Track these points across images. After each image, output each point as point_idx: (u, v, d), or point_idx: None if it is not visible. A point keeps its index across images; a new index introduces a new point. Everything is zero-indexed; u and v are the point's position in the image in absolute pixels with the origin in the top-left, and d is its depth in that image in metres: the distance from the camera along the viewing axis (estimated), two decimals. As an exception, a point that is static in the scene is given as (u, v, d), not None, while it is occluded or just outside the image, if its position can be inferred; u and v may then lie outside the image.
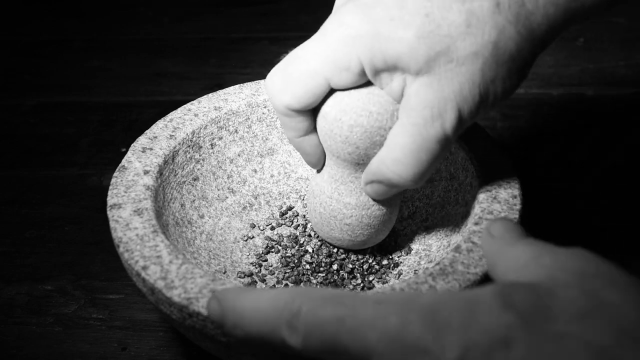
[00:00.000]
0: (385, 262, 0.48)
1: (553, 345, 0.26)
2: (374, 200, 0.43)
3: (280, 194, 0.52)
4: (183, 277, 0.38)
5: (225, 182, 0.51)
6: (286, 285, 0.47)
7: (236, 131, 0.51)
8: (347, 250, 0.48)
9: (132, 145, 0.47)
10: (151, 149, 0.47)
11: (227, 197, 0.51)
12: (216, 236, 0.49)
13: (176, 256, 0.39)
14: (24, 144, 0.67)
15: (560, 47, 0.77)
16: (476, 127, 0.48)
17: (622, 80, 0.72)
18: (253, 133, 0.52)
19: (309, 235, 0.50)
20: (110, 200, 0.43)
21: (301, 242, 0.49)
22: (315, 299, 0.30)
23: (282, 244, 0.49)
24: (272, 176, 0.52)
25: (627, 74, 0.73)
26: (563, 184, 0.60)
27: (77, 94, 0.74)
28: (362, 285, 0.46)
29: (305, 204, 0.51)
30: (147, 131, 0.48)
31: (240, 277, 0.47)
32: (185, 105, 0.50)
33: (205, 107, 0.50)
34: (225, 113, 0.50)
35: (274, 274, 0.48)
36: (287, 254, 0.49)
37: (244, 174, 0.52)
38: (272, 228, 0.51)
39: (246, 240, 0.50)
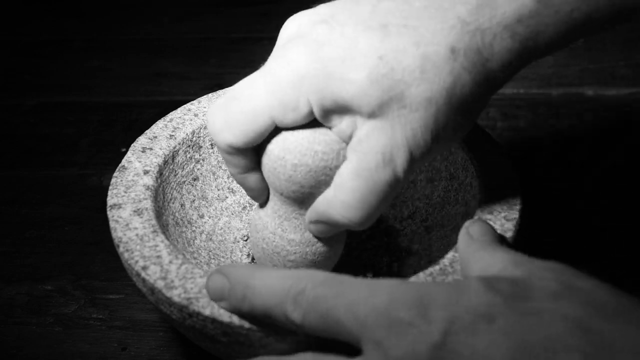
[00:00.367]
0: (385, 260, 0.48)
1: (532, 317, 0.29)
2: (318, 237, 0.41)
3: (280, 194, 0.52)
4: (183, 277, 0.38)
5: (225, 182, 0.51)
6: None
7: (236, 131, 0.51)
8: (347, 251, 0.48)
9: (132, 145, 0.47)
10: (151, 149, 0.47)
11: (227, 197, 0.51)
12: (216, 236, 0.49)
13: (176, 256, 0.39)
14: (24, 144, 0.67)
15: (560, 47, 0.77)
16: (476, 127, 0.48)
17: (622, 80, 0.72)
18: (253, 133, 0.52)
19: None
20: (110, 200, 0.43)
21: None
22: (319, 279, 0.33)
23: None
24: (272, 176, 0.52)
25: (627, 74, 0.73)
26: (563, 184, 0.60)
27: (77, 94, 0.74)
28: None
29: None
30: (147, 131, 0.48)
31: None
32: (185, 105, 0.50)
33: (205, 107, 0.50)
34: (225, 113, 0.50)
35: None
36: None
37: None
38: None
39: (246, 240, 0.50)
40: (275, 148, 0.38)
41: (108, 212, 0.42)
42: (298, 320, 0.32)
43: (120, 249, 0.40)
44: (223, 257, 0.48)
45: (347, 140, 0.37)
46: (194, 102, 0.51)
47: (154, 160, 0.46)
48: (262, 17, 0.86)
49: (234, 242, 0.49)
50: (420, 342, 0.29)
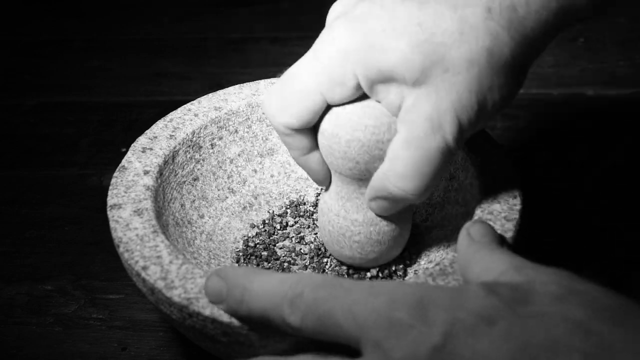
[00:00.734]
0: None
1: (533, 320, 0.29)
2: (381, 216, 0.42)
3: (280, 194, 0.52)
4: (183, 277, 0.38)
5: (226, 182, 0.51)
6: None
7: (236, 131, 0.51)
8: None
9: (132, 145, 0.47)
10: (151, 149, 0.47)
11: (227, 197, 0.51)
12: (216, 236, 0.49)
13: (176, 256, 0.39)
14: (24, 144, 0.67)
15: (560, 47, 0.77)
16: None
17: (622, 80, 0.72)
18: (253, 133, 0.52)
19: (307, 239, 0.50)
20: (110, 201, 0.43)
21: (298, 249, 0.49)
22: (317, 282, 0.33)
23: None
24: (272, 176, 0.52)
25: (627, 74, 0.73)
26: (563, 184, 0.60)
27: (77, 94, 0.74)
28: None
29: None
30: (147, 131, 0.48)
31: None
32: (185, 105, 0.50)
33: (205, 107, 0.50)
34: (225, 113, 0.50)
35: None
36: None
37: (244, 174, 0.52)
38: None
39: (245, 240, 0.50)
40: (329, 126, 0.39)
41: (108, 212, 0.42)
42: (296, 323, 0.32)
43: (121, 249, 0.40)
44: (223, 257, 0.48)
45: (396, 112, 0.38)
46: (194, 102, 0.51)
47: (154, 161, 0.46)
48: (262, 17, 0.86)
49: (234, 242, 0.49)
50: (421, 344, 0.29)
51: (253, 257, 0.48)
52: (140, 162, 0.46)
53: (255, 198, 0.52)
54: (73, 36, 0.83)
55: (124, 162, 0.46)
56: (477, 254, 0.35)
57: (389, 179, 0.38)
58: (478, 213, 0.42)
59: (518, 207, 0.42)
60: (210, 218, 0.50)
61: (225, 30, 0.83)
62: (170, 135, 0.48)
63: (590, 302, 0.30)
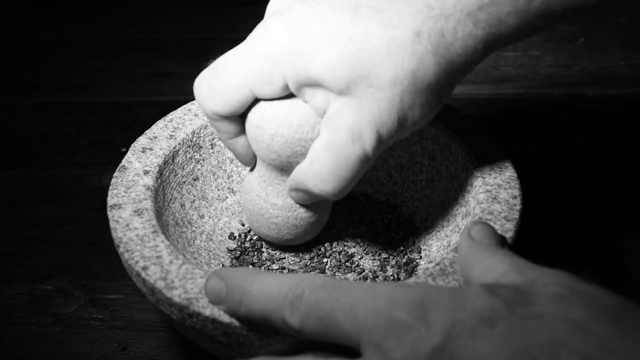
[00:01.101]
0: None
1: (534, 321, 0.29)
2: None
3: (280, 194, 0.52)
4: (183, 277, 0.38)
5: (226, 182, 0.51)
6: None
7: (236, 131, 0.51)
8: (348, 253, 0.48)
9: (132, 145, 0.47)
10: (151, 149, 0.47)
11: (227, 197, 0.51)
12: (216, 236, 0.49)
13: (176, 256, 0.39)
14: (24, 144, 0.67)
15: (560, 47, 0.77)
16: (477, 127, 0.48)
17: (622, 80, 0.72)
18: (253, 133, 0.52)
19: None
20: (110, 201, 0.43)
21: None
22: (317, 283, 0.33)
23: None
24: (272, 176, 0.52)
25: (627, 74, 0.73)
26: (563, 184, 0.60)
27: (77, 94, 0.74)
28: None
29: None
30: (147, 131, 0.48)
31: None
32: (185, 105, 0.50)
33: (205, 107, 0.50)
34: (225, 113, 0.50)
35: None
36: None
37: (244, 174, 0.52)
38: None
39: (234, 239, 0.50)
40: (255, 118, 0.40)
41: (108, 212, 0.42)
42: (296, 325, 0.32)
43: (121, 249, 0.40)
44: (223, 257, 0.48)
45: (322, 115, 0.39)
46: (194, 102, 0.51)
47: (154, 161, 0.46)
48: (262, 17, 0.85)
49: (233, 242, 0.49)
50: (421, 345, 0.29)
51: (247, 255, 0.48)
52: (140, 162, 0.46)
53: (255, 198, 0.52)
54: (73, 36, 0.83)
55: (124, 162, 0.46)
56: (478, 254, 0.36)
57: (308, 177, 0.39)
58: (478, 213, 0.42)
59: (518, 207, 0.42)
60: (210, 218, 0.49)
61: (226, 30, 0.83)
62: (170, 135, 0.48)
63: (590, 303, 0.30)
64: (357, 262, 0.48)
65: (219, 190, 0.51)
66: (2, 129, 0.69)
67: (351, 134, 0.37)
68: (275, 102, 0.40)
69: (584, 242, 0.54)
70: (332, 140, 0.38)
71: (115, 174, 0.45)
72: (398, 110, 0.37)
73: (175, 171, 0.48)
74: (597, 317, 0.29)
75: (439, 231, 0.48)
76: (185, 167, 0.48)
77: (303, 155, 0.40)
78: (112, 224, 0.41)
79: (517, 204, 0.42)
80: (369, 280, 0.47)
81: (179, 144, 0.48)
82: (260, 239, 0.49)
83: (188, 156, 0.49)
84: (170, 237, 0.44)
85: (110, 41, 0.82)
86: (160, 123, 0.49)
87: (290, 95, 0.40)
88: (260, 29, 0.39)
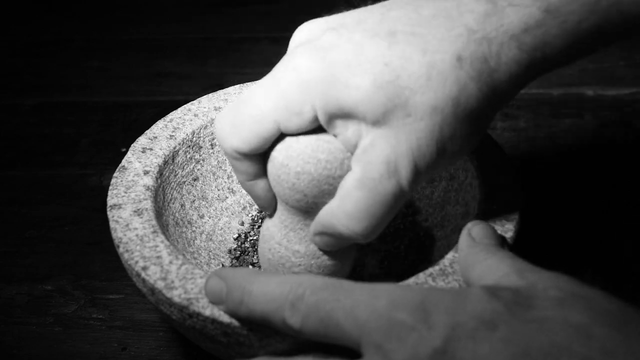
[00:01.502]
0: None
1: (534, 324, 0.29)
2: (324, 250, 0.40)
3: (280, 194, 0.52)
4: (183, 277, 0.38)
5: (225, 182, 0.51)
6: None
7: (236, 131, 0.51)
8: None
9: (132, 145, 0.47)
10: (151, 149, 0.47)
11: (227, 197, 0.51)
12: (216, 236, 0.49)
13: (176, 256, 0.39)
14: (24, 144, 0.67)
15: (560, 47, 0.77)
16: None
17: (622, 80, 0.72)
18: (253, 133, 0.52)
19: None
20: (110, 201, 0.43)
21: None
22: (318, 284, 0.33)
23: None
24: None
25: (627, 74, 0.73)
26: (563, 184, 0.60)
27: (77, 94, 0.74)
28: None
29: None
30: (147, 131, 0.48)
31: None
32: (185, 105, 0.50)
33: (205, 107, 0.50)
34: (225, 113, 0.50)
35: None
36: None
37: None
38: None
39: (236, 239, 0.50)
40: (279, 155, 0.37)
41: (108, 213, 0.42)
42: (297, 325, 0.32)
43: (120, 250, 0.40)
44: (223, 257, 0.48)
45: (353, 149, 0.36)
46: (194, 102, 0.51)
47: (154, 161, 0.46)
48: (262, 17, 0.86)
49: (234, 243, 0.49)
50: (422, 347, 0.29)
51: (247, 255, 0.48)
52: (140, 162, 0.46)
53: (255, 198, 0.52)
54: (73, 36, 0.83)
55: (124, 162, 0.46)
56: (479, 255, 0.35)
57: (337, 217, 0.36)
58: (478, 213, 0.42)
59: (518, 207, 0.42)
60: (210, 218, 0.50)
61: (225, 30, 0.83)
62: (170, 136, 0.48)
63: (591, 307, 0.30)
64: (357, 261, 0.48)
65: (219, 190, 0.51)
66: (2, 129, 0.69)
67: (387, 168, 0.34)
68: (301, 137, 0.37)
69: (584, 242, 0.54)
70: (365, 176, 0.35)
71: (115, 174, 0.45)
72: (437, 141, 0.35)
73: (175, 171, 0.48)
74: (597, 321, 0.29)
75: (438, 231, 0.48)
76: (185, 167, 0.48)
77: (330, 194, 0.37)
78: (112, 224, 0.41)
79: (517, 204, 0.42)
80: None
81: (179, 144, 0.48)
82: None
83: (188, 156, 0.49)
84: (170, 237, 0.44)
85: (110, 41, 0.82)
86: (160, 123, 0.49)
87: (316, 130, 0.37)
88: (287, 59, 0.36)
